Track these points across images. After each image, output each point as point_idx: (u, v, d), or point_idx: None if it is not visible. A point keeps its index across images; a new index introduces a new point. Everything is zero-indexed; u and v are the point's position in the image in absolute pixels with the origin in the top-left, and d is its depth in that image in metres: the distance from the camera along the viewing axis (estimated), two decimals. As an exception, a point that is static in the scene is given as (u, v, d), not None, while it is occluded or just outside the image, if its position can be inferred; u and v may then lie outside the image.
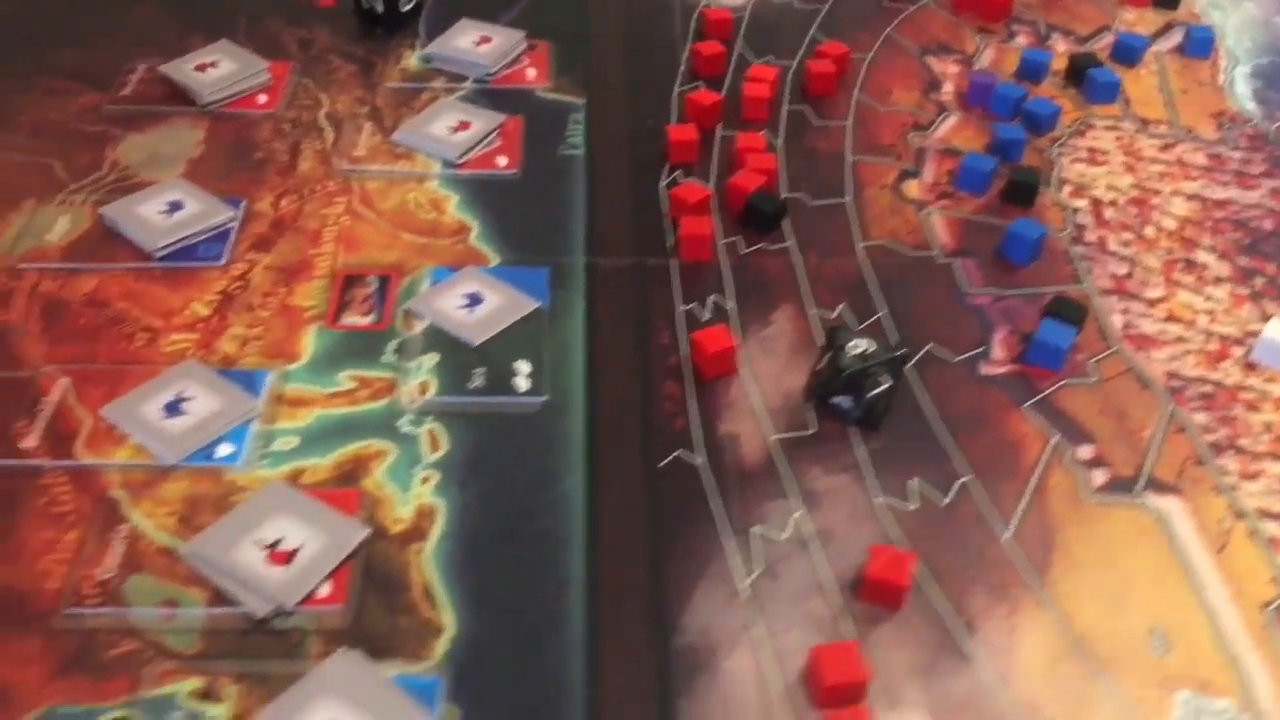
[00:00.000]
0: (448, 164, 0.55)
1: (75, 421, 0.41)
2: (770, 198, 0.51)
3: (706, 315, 0.47)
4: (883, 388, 0.42)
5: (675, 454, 0.41)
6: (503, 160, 0.55)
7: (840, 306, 0.48)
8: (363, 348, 0.45)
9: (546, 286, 0.48)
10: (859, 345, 0.42)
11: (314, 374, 0.44)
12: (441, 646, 0.35)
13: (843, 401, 0.42)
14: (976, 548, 0.39)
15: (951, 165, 0.56)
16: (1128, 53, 0.64)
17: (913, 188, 0.55)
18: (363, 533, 0.38)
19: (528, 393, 0.44)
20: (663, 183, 0.54)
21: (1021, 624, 0.37)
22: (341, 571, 0.37)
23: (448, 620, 0.36)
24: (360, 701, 0.33)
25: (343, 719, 0.32)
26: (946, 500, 0.40)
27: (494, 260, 0.50)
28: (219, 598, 0.36)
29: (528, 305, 0.47)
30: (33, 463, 0.40)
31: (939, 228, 0.53)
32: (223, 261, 0.49)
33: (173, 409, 0.42)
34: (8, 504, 0.39)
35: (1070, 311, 0.46)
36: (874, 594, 0.37)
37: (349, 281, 0.48)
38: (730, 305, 0.48)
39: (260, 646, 0.35)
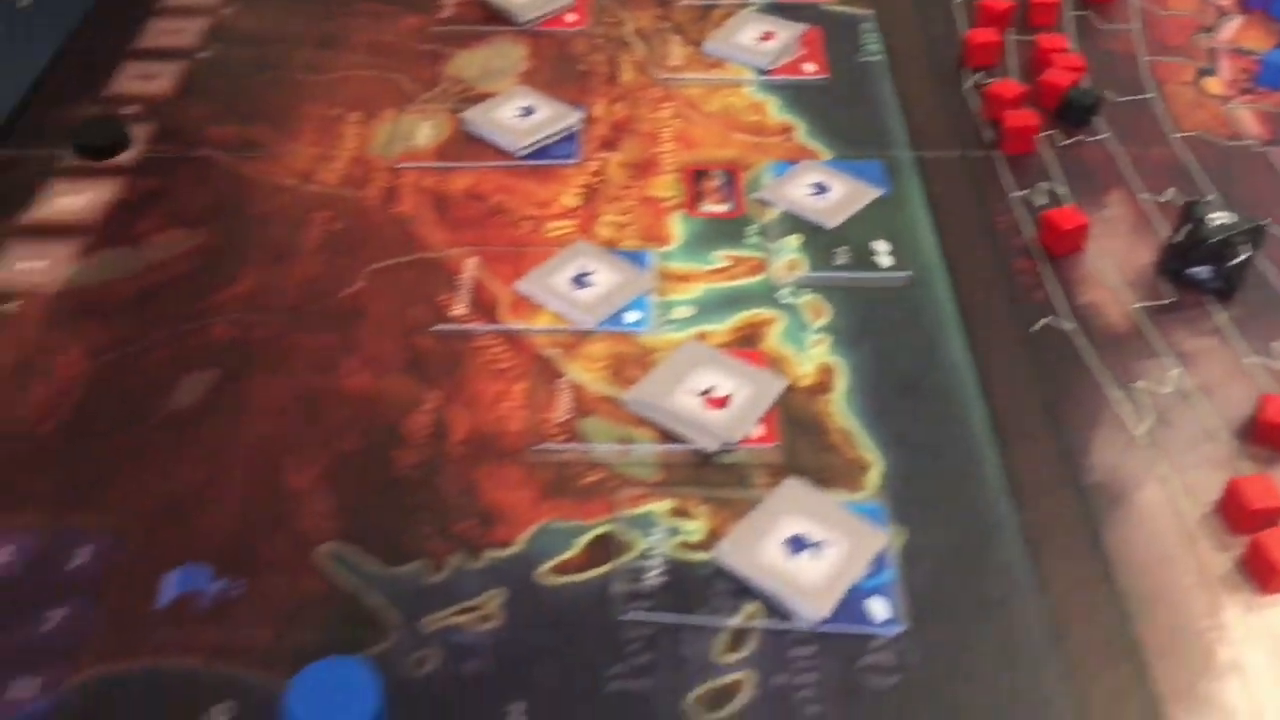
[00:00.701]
0: (759, 71, 0.58)
1: (492, 294, 0.46)
2: (1087, 91, 0.54)
3: (1041, 200, 0.50)
4: (1243, 257, 0.44)
5: (1045, 320, 0.45)
6: (810, 67, 0.59)
7: (1169, 191, 0.50)
8: (726, 231, 0.49)
9: (883, 176, 0.52)
10: (1219, 216, 0.44)
11: (689, 254, 0.48)
12: (873, 480, 0.39)
13: (1201, 271, 0.45)
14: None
15: (1245, 64, 0.58)
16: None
17: (1213, 84, 0.57)
18: (782, 383, 0.41)
19: (891, 269, 0.47)
20: (966, 84, 0.57)
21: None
22: (769, 417, 0.41)
23: (873, 458, 0.40)
24: (821, 518, 0.37)
25: (810, 530, 0.36)
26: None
27: (825, 155, 0.53)
28: (666, 437, 0.40)
29: (871, 193, 0.51)
30: (466, 327, 0.45)
31: (1247, 120, 0.54)
32: (576, 160, 0.53)
33: (579, 282, 0.46)
34: (455, 362, 0.43)
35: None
36: (1270, 437, 0.39)
37: (697, 175, 0.52)
38: (1063, 190, 0.51)
39: (713, 477, 0.39)
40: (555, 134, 0.54)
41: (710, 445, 0.39)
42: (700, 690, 0.33)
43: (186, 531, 0.38)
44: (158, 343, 0.44)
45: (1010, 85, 0.55)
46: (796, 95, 0.57)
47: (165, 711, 0.33)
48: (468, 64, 0.60)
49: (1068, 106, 0.54)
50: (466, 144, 0.54)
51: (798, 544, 0.36)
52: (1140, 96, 0.56)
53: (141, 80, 0.59)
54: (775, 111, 0.56)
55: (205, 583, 0.36)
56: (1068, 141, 0.53)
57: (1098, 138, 0.53)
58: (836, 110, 0.56)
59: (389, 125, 0.55)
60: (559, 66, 0.59)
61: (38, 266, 0.48)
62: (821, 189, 0.51)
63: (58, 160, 0.54)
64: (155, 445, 0.40)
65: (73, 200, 0.51)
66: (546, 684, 0.33)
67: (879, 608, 0.35)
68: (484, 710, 0.33)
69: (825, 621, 0.34)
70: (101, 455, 0.40)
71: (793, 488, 0.38)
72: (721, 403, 0.41)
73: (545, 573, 0.36)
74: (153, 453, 0.40)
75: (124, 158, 0.54)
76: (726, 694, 0.33)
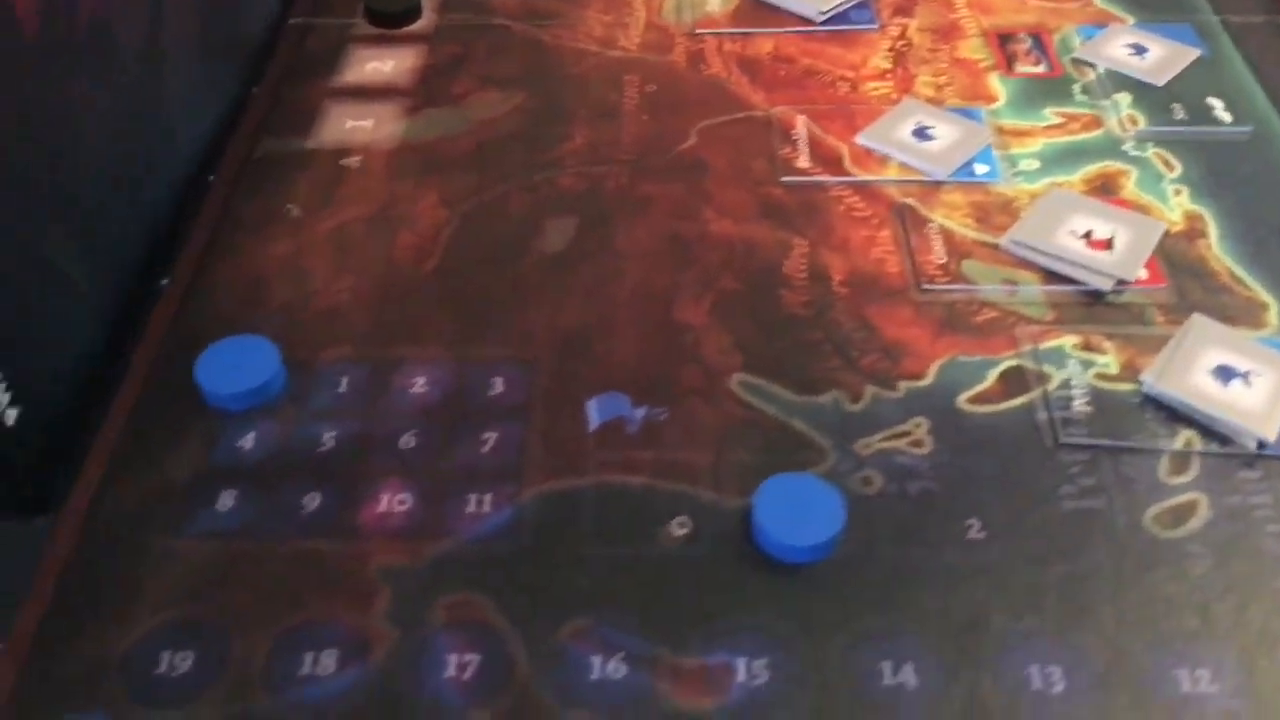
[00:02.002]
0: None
1: (831, 148, 0.46)
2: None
3: (1364, 60, 0.49)
4: None
5: (1404, 170, 0.44)
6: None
7: None
8: (1050, 90, 0.48)
9: (1196, 38, 0.51)
10: None
11: (1019, 111, 0.47)
12: (1275, 317, 0.39)
13: None
14: None
15: None
16: None
17: None
18: (1162, 226, 0.41)
19: (1232, 124, 0.46)
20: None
21: None
22: (1150, 261, 0.41)
23: (1267, 298, 0.39)
24: (1241, 350, 0.37)
25: (1235, 361, 0.36)
26: None
27: (1129, 20, 0.52)
28: (1050, 278, 0.40)
29: (1191, 53, 0.50)
30: (816, 179, 0.45)
31: None
32: (876, 25, 0.53)
33: (921, 135, 0.46)
34: (814, 210, 0.43)
35: None
36: None
37: (1003, 39, 0.52)
38: (1386, 51, 0.50)
39: (1110, 315, 0.39)
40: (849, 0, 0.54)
41: (1104, 284, 0.39)
42: (1156, 509, 0.33)
43: (592, 363, 0.38)
44: (510, 192, 0.44)
45: (1314, -51, 0.54)
46: (1082, -36, 0.56)
47: (619, 524, 0.34)
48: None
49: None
50: (757, 11, 0.54)
51: (1226, 373, 0.36)
52: None
53: (415, -47, 0.59)
54: (1065, -21, 0.55)
55: (627, 409, 0.37)
56: (1378, 5, 0.52)
57: None
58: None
59: (675, -6, 0.55)
60: (831, -62, 0.59)
61: (364, 126, 0.48)
62: (1140, 49, 0.50)
63: (351, 29, 0.54)
64: (538, 285, 0.41)
65: (380, 65, 0.51)
66: (995, 503, 0.34)
67: (1317, 434, 0.35)
68: (941, 526, 0.33)
69: (1269, 445, 0.35)
70: (487, 293, 0.40)
71: (1203, 322, 0.38)
72: (1105, 245, 0.41)
73: (965, 402, 0.36)
74: (538, 291, 0.40)
75: (418, 26, 0.54)
76: (1184, 512, 0.33)
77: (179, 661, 0.31)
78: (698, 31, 0.53)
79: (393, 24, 0.54)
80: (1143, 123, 0.47)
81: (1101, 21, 0.52)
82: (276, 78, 0.51)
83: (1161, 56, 0.50)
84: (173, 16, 0.44)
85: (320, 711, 0.30)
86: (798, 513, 0.33)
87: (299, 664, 0.31)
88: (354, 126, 0.48)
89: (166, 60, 0.44)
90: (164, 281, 0.42)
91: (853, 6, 0.54)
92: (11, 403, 0.33)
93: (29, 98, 0.35)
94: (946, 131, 0.46)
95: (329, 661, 0.31)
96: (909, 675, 0.30)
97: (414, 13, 0.54)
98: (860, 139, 0.46)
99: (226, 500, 0.34)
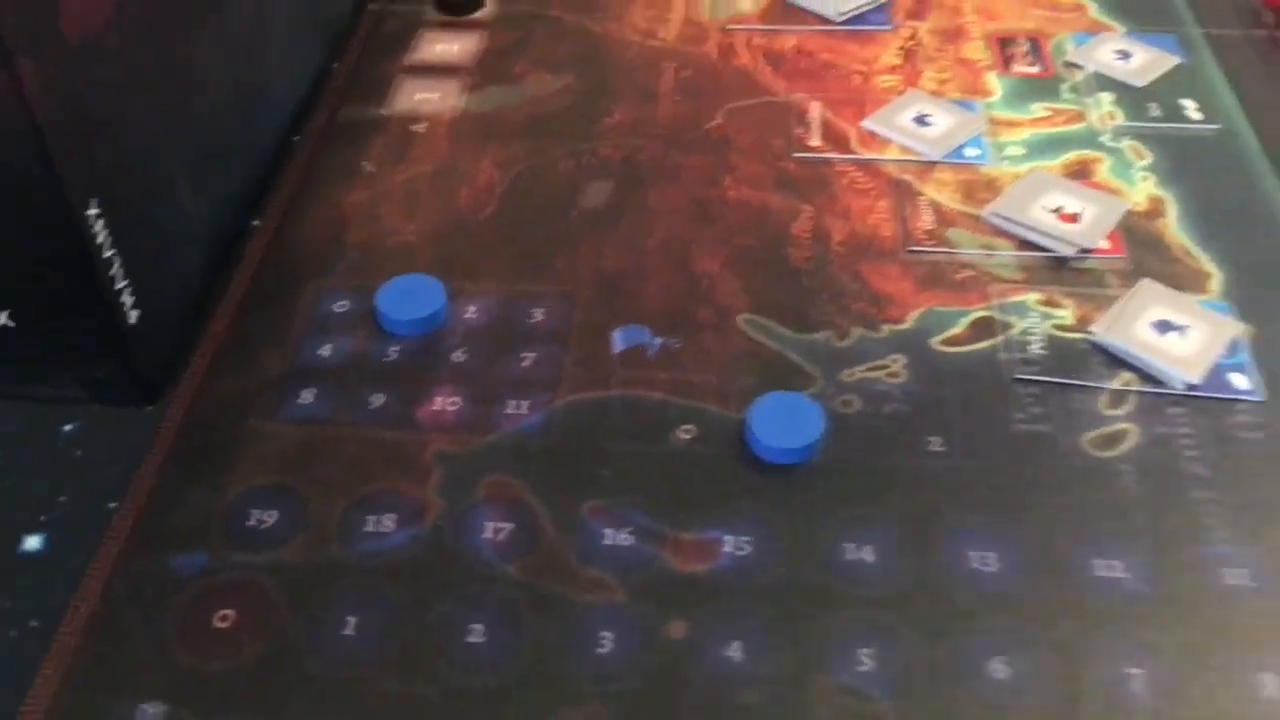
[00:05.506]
0: (1044, -43, 0.63)
1: (840, 130, 0.52)
2: (1370, -22, 0.58)
3: (1329, 72, 0.55)
4: None
5: (1351, 167, 0.49)
6: (1092, -45, 0.64)
7: None
8: (1041, 88, 0.54)
9: (1178, 47, 0.56)
10: None
11: (1011, 105, 0.53)
12: (1215, 286, 0.44)
13: None
14: None
15: None
16: None
17: None
18: (1125, 205, 0.47)
19: (1201, 122, 0.52)
20: (1242, -26, 0.62)
21: None
22: (1114, 234, 0.46)
23: (1211, 269, 0.45)
24: (1181, 308, 0.42)
25: (1174, 317, 0.42)
26: None
27: (1120, 29, 0.58)
28: (1024, 246, 0.46)
29: (1171, 60, 0.55)
30: (826, 155, 0.51)
31: None
32: (890, 27, 0.59)
33: (920, 121, 0.52)
34: (822, 182, 0.49)
35: None
36: None
37: (1003, 43, 0.57)
38: (1351, 63, 0.55)
39: (1071, 278, 0.45)
40: (868, 4, 0.60)
41: (1068, 250, 0.45)
42: (1092, 434, 0.39)
43: (623, 300, 0.44)
44: (557, 158, 0.51)
45: (1292, -27, 0.59)
46: (1083, -21, 0.62)
47: (637, 427, 0.40)
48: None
49: (1351, -9, 0.58)
50: (784, 11, 0.60)
51: (1164, 326, 0.42)
52: None
53: (481, -49, 0.66)
54: (1065, -8, 0.61)
55: (648, 338, 0.43)
56: (1349, 23, 0.58)
57: (1378, 20, 0.58)
58: (1123, -8, 0.61)
59: (713, -6, 0.61)
60: (856, -51, 0.65)
61: (432, 98, 0.55)
62: (1125, 55, 0.56)
63: (422, 15, 0.61)
64: (580, 235, 0.47)
65: (447, 47, 0.58)
66: (957, 424, 0.40)
67: (1240, 380, 0.40)
68: (908, 440, 0.39)
69: (1195, 388, 0.40)
70: (536, 240, 0.47)
71: (1151, 285, 0.43)
72: (1073, 218, 0.46)
73: (937, 344, 0.42)
74: (579, 240, 0.47)
75: (481, 14, 0.61)
76: (1116, 438, 0.39)
77: (266, 518, 0.37)
78: (729, 27, 0.59)
79: (459, 11, 0.61)
80: (1121, 118, 0.52)
81: (1095, 30, 0.58)
82: (356, 54, 0.58)
83: (1144, 62, 0.55)
84: (273, -4, 0.51)
85: (381, 560, 0.36)
86: (784, 422, 0.39)
87: (365, 524, 0.37)
88: (422, 98, 0.55)
89: (270, 33, 0.51)
90: (254, 222, 0.49)
91: (872, 10, 0.60)
92: (134, 305, 0.40)
93: (164, 55, 0.42)
94: (943, 119, 0.52)
95: (389, 523, 0.37)
96: (868, 553, 0.36)
97: (478, 3, 0.61)
98: (866, 123, 0.52)
99: (308, 396, 0.41)
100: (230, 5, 0.47)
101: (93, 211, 0.37)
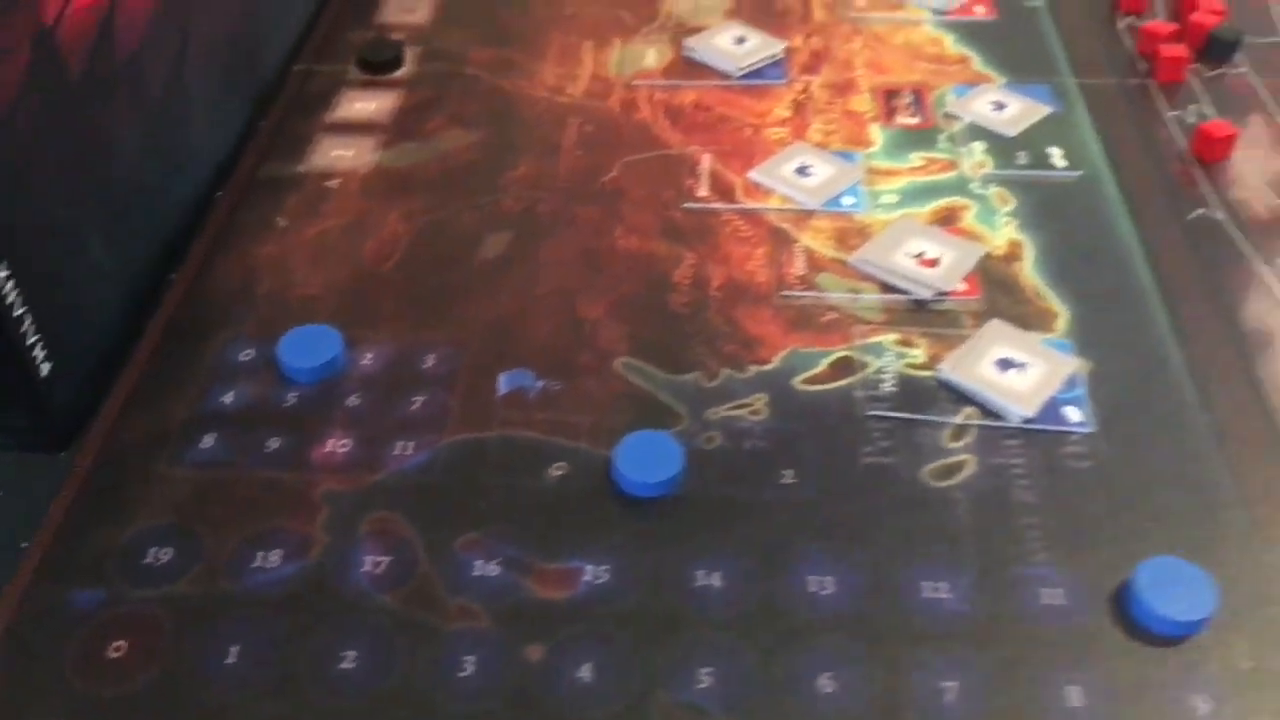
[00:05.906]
0: (935, 12, 0.67)
1: (728, 181, 0.55)
2: (1231, 29, 0.62)
3: (1191, 119, 0.58)
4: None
5: (1199, 211, 0.53)
6: (980, 9, 0.67)
7: (1307, 113, 0.58)
8: (919, 139, 0.58)
9: (1052, 97, 0.60)
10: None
11: (890, 155, 0.57)
12: (1061, 324, 0.47)
13: (1337, 173, 0.52)
14: None
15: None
16: None
17: (1344, 27, 0.64)
18: (982, 250, 0.50)
19: (1065, 169, 0.55)
20: (1120, 25, 0.65)
21: None
22: (971, 277, 0.49)
23: (1060, 310, 0.48)
24: (1023, 347, 0.45)
25: (1015, 355, 0.45)
26: None
27: (1000, 80, 0.62)
28: (887, 289, 0.49)
29: (1043, 109, 0.59)
30: (711, 205, 0.54)
31: (1376, 57, 0.62)
32: (785, 81, 0.62)
33: (802, 172, 0.55)
34: (706, 231, 0.53)
35: None
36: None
37: (889, 95, 0.61)
38: (1210, 112, 0.58)
39: (928, 319, 0.48)
40: (765, 59, 0.63)
41: (925, 294, 0.48)
42: (933, 465, 0.42)
43: (510, 345, 0.47)
44: (460, 211, 0.54)
45: (1162, 25, 0.63)
46: (970, 32, 0.65)
47: (513, 465, 0.43)
48: (682, 1, 0.69)
49: (1212, 43, 0.61)
50: (687, 67, 0.64)
51: (1006, 364, 0.45)
52: (1274, 38, 0.64)
53: (404, 11, 0.69)
54: (952, 45, 0.65)
55: (530, 381, 0.46)
56: (1212, 74, 0.61)
57: (1238, 70, 0.61)
58: (1005, 43, 0.64)
59: (618, 51, 0.65)
60: (759, 7, 0.68)
61: (347, 154, 0.58)
62: (1000, 105, 0.59)
63: (345, 74, 0.64)
64: (474, 284, 0.50)
65: (365, 105, 0.62)
66: (810, 458, 0.43)
67: (1073, 413, 0.44)
68: (763, 473, 0.42)
69: (1030, 421, 0.43)
70: (433, 290, 0.50)
71: (998, 325, 0.47)
72: (932, 263, 0.50)
73: (799, 383, 0.46)
74: (474, 290, 0.50)
75: (400, 74, 0.64)
76: (954, 469, 0.42)
77: (163, 555, 0.40)
78: (634, 83, 0.63)
79: (379, 70, 0.64)
80: (990, 166, 0.56)
81: (976, 82, 0.62)
82: (280, 113, 0.61)
83: (1017, 111, 0.59)
84: (195, 58, 0.55)
85: (267, 593, 0.39)
86: (647, 459, 0.42)
87: (254, 559, 0.40)
88: (338, 155, 0.58)
89: (192, 96, 0.54)
90: (171, 275, 0.52)
91: (769, 65, 0.63)
92: (45, 359, 0.43)
93: (75, 125, 0.45)
94: (824, 170, 0.55)
95: (276, 558, 0.40)
96: (716, 579, 0.39)
97: (397, 63, 0.64)
98: (752, 174, 0.55)
99: (209, 440, 0.44)
100: (148, 74, 0.50)
101: (2, 274, 0.41)
